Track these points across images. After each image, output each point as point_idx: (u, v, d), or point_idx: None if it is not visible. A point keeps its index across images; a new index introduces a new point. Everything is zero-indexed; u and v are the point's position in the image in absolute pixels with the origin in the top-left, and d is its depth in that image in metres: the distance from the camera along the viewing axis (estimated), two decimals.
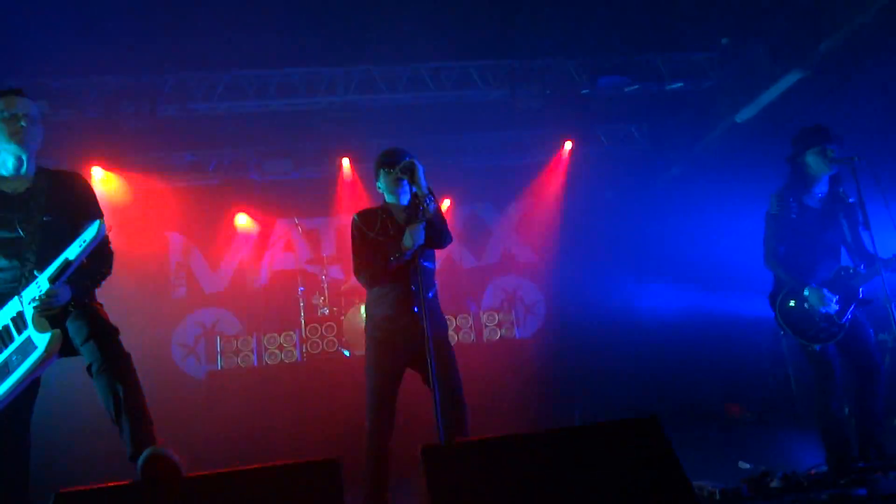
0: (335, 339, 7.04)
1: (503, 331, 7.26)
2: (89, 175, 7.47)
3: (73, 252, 2.77)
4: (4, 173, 3.02)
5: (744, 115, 7.43)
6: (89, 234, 2.76)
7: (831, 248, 4.18)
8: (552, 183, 9.04)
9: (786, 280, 4.13)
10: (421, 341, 3.64)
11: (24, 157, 3.02)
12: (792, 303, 4.10)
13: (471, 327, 7.17)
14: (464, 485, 2.71)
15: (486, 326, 7.27)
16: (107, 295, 3.20)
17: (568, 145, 8.83)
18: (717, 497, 3.60)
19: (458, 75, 7.42)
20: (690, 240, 8.28)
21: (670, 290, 8.49)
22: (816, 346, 4.01)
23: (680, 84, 7.68)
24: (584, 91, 7.58)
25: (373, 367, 3.83)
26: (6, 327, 2.83)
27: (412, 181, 3.66)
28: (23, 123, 2.98)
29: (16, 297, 2.84)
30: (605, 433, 2.93)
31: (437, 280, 4.06)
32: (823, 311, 3.98)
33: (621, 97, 7.84)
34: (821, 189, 4.21)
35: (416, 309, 3.72)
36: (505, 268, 9.30)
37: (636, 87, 7.56)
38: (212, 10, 5.82)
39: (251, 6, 5.87)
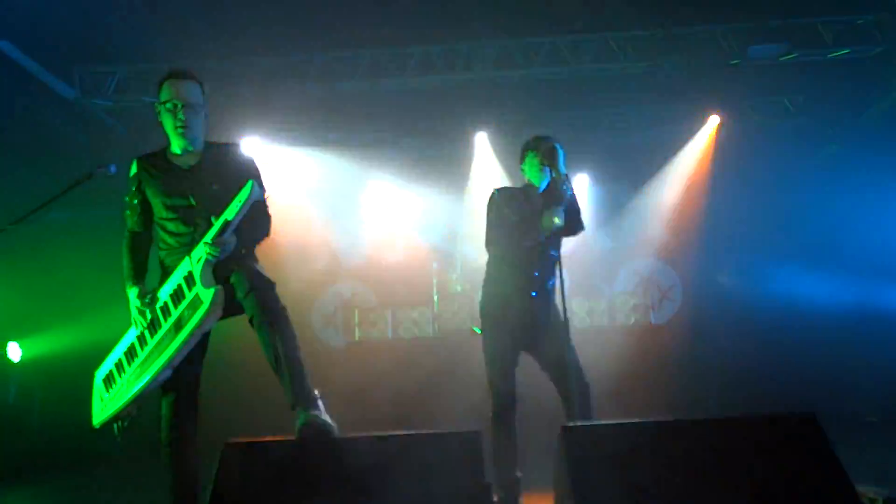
0: (467, 316, 7.13)
1: (638, 315, 7.05)
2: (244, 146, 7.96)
3: (231, 212, 2.97)
4: (177, 151, 3.24)
5: None
6: (243, 194, 2.96)
7: None
8: (697, 161, 8.57)
9: None
10: (534, 325, 3.75)
11: (190, 141, 3.21)
12: None
13: (603, 311, 7.02)
14: (603, 466, 2.66)
15: (620, 310, 7.09)
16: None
17: (715, 120, 8.32)
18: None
19: (598, 47, 7.15)
20: (848, 225, 7.62)
21: (822, 278, 7.87)
22: None
23: (845, 50, 7.00)
24: (733, 61, 7.09)
25: (489, 345, 3.90)
26: (179, 286, 3.07)
27: (552, 165, 3.77)
28: (181, 116, 3.13)
29: (186, 258, 3.07)
30: (760, 427, 2.77)
31: (568, 264, 4.05)
32: None
33: (775, 67, 7.25)
34: None
35: (534, 294, 3.80)
36: (641, 249, 8.97)
37: (793, 55, 6.98)
38: None
39: None
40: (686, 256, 8.66)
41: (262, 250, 3.37)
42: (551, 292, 3.86)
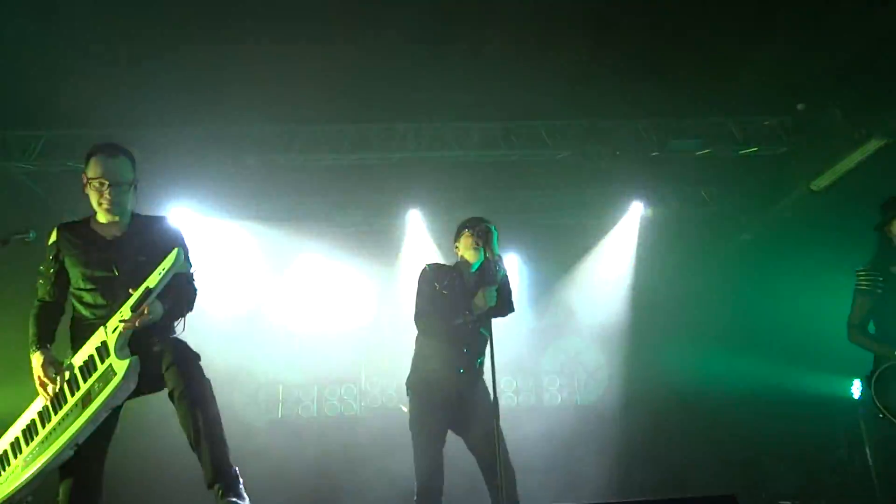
0: (394, 394, 7.02)
1: (564, 395, 7.10)
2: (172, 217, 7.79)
3: (153, 280, 2.90)
4: (102, 221, 3.18)
5: (820, 182, 7.23)
6: (167, 262, 2.90)
7: None
8: (620, 244, 8.91)
9: (878, 351, 3.91)
10: (462, 404, 3.70)
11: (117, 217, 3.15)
12: (889, 382, 3.84)
13: (531, 389, 7.05)
14: None
15: (547, 390, 7.13)
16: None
17: (638, 206, 8.72)
18: None
19: (528, 133, 7.49)
20: (762, 309, 7.99)
21: (740, 362, 8.17)
22: None
23: (754, 149, 7.55)
24: (653, 153, 7.53)
25: (416, 423, 3.85)
26: (91, 356, 2.94)
27: (486, 246, 3.85)
28: (109, 195, 3.08)
29: (101, 328, 2.95)
30: None
31: (497, 343, 4.07)
32: None
33: (692, 160, 7.75)
34: None
35: (461, 371, 3.79)
36: (567, 329, 9.13)
37: (708, 150, 7.47)
38: (292, 67, 6.12)
39: (327, 64, 6.13)
40: (612, 337, 8.86)
41: (188, 324, 3.27)
42: (480, 370, 3.87)
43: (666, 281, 8.57)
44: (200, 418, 2.88)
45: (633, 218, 8.77)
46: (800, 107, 7.19)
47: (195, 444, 2.89)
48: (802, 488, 6.92)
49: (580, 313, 9.11)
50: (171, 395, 2.96)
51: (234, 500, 2.80)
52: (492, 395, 3.76)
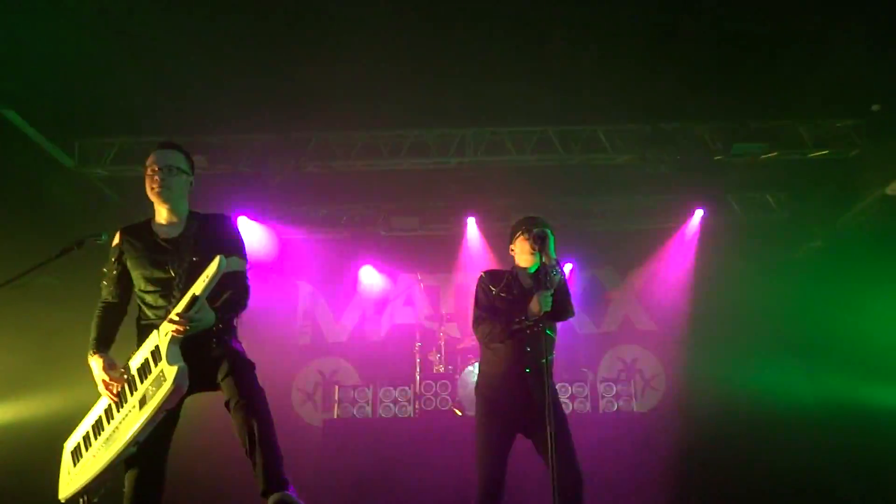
0: (448, 398, 7.05)
1: (620, 402, 6.98)
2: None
3: (198, 287, 2.95)
4: (161, 221, 3.29)
5: None
6: (210, 269, 2.93)
7: None
8: (680, 251, 8.71)
9: None
10: (530, 405, 3.64)
11: (170, 207, 3.25)
12: None
13: (586, 396, 6.96)
14: None
15: (603, 397, 7.02)
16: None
17: (699, 213, 8.51)
18: None
19: (587, 138, 7.41)
20: (833, 319, 7.67)
21: (808, 373, 7.86)
22: None
23: (824, 151, 7.27)
24: (717, 157, 7.34)
25: (482, 426, 3.82)
26: (146, 359, 3.03)
27: (542, 250, 3.77)
28: (158, 177, 3.18)
29: (154, 331, 3.04)
30: None
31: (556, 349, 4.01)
32: None
33: (758, 164, 7.52)
34: None
35: (528, 370, 3.72)
36: (624, 337, 8.98)
37: (775, 154, 7.23)
38: (352, 74, 6.24)
39: (386, 72, 6.22)
40: (670, 345, 8.67)
41: (245, 322, 3.37)
42: (547, 370, 3.80)
43: (728, 289, 8.32)
44: (256, 429, 2.95)
45: (694, 224, 8.55)
46: (874, 108, 6.89)
47: (250, 454, 2.97)
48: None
49: (638, 321, 8.95)
50: (227, 405, 3.04)
51: (289, 498, 2.87)
52: (558, 398, 3.74)
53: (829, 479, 6.84)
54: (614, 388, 7.04)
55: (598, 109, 7.09)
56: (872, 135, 7.11)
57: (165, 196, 3.21)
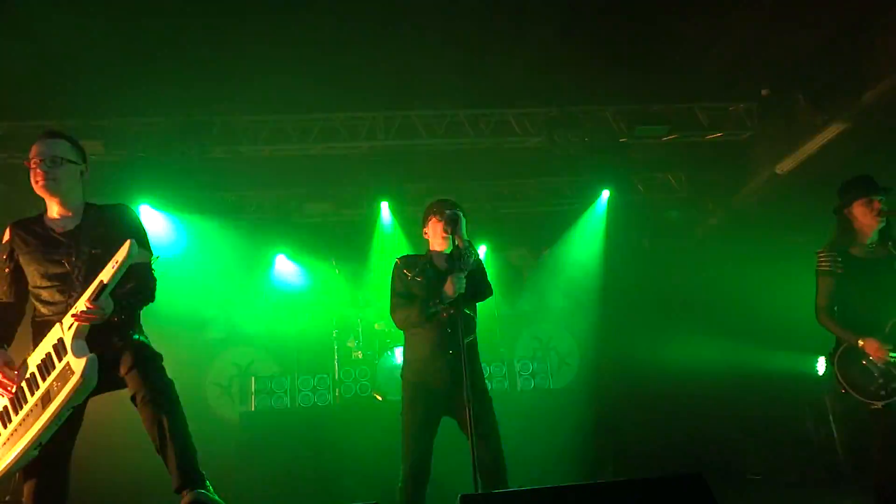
0: (368, 384, 7.02)
1: (536, 380, 7.16)
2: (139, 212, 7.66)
3: (106, 273, 2.81)
4: (53, 215, 3.11)
5: (784, 166, 7.36)
6: (120, 254, 2.81)
7: (885, 300, 4.05)
8: (589, 231, 8.99)
9: (841, 336, 4.00)
10: (456, 386, 3.65)
11: (60, 200, 3.07)
12: (850, 359, 3.94)
13: (504, 375, 7.10)
14: None
15: (520, 375, 7.18)
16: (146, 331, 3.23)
17: (606, 193, 8.80)
18: None
19: (497, 121, 7.50)
20: (730, 292, 8.12)
21: (709, 343, 8.30)
22: (880, 404, 3.84)
23: (719, 134, 7.66)
24: (622, 139, 7.60)
25: (408, 410, 3.82)
26: (48, 354, 2.86)
27: (454, 232, 3.80)
28: (41, 170, 3.01)
29: (56, 325, 2.88)
30: (649, 489, 2.84)
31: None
32: (883, 365, 3.84)
33: (659, 146, 7.84)
34: (870, 241, 4.11)
35: (451, 351, 3.73)
36: (539, 316, 9.21)
37: (674, 136, 7.56)
38: (258, 56, 6.04)
39: (294, 53, 6.06)
40: (583, 323, 8.96)
41: (153, 317, 3.21)
42: (469, 349, 3.82)
43: (635, 266, 8.68)
44: (165, 423, 2.82)
45: (602, 204, 8.84)
46: (764, 92, 7.30)
47: (161, 449, 2.84)
48: (770, 463, 7.10)
49: (551, 300, 9.19)
50: (133, 399, 2.90)
51: (204, 493, 2.77)
52: (481, 378, 3.80)
53: (729, 438, 7.29)
54: (531, 366, 7.20)
55: (507, 93, 7.18)
56: (763, 117, 7.55)
57: (52, 189, 3.03)
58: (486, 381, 6.80)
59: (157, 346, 3.13)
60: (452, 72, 6.56)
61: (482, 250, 9.01)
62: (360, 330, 7.59)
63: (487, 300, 4.08)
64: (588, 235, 9.00)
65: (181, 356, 7.42)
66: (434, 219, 3.98)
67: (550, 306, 9.22)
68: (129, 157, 6.85)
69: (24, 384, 2.88)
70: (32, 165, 3.03)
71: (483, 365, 7.05)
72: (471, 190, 8.70)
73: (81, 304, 2.81)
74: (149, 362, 2.96)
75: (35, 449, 2.76)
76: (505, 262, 9.30)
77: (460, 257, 3.77)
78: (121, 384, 2.95)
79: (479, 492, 3.32)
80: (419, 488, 3.67)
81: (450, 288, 3.71)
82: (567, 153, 7.35)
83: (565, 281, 9.17)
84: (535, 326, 9.09)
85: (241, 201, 8.72)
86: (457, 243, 3.81)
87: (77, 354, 2.77)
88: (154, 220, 7.89)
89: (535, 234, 9.24)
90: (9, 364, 2.92)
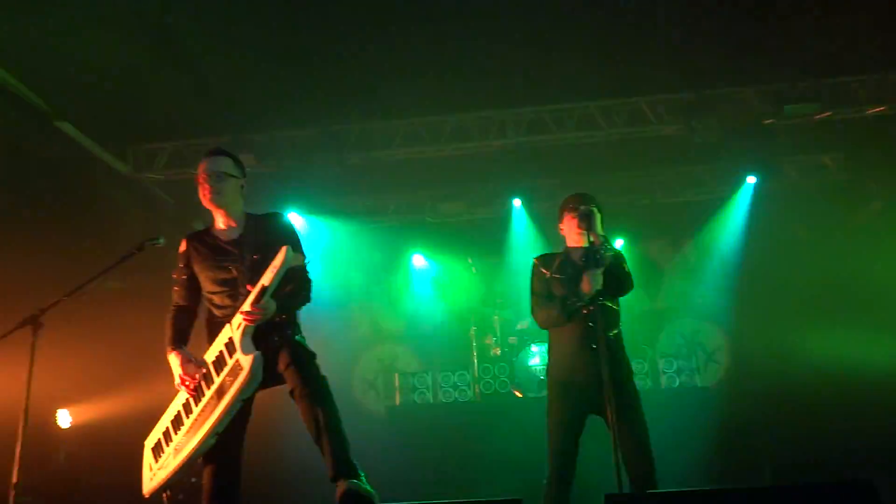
0: (507, 380, 7.08)
1: (682, 378, 6.89)
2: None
3: (266, 278, 3.06)
4: (220, 225, 3.41)
5: None
6: (277, 259, 3.04)
7: None
8: (733, 220, 8.50)
9: None
10: (599, 382, 3.58)
11: (225, 212, 3.36)
12: None
13: (647, 373, 6.90)
14: None
15: (664, 373, 6.94)
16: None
17: (751, 179, 8.29)
18: None
19: (630, 111, 7.29)
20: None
21: (873, 339, 7.59)
22: None
23: (881, 108, 6.99)
24: (767, 121, 7.13)
25: (554, 406, 3.83)
26: (220, 352, 3.15)
27: (589, 229, 3.74)
28: (209, 184, 3.29)
29: (227, 326, 3.16)
30: (812, 495, 2.67)
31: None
32: None
33: (811, 125, 7.27)
34: None
35: (594, 346, 3.68)
36: (682, 311, 8.83)
37: (828, 113, 6.99)
38: (388, 63, 6.26)
39: (422, 58, 6.22)
40: (731, 317, 8.48)
41: (303, 316, 3.45)
42: (614, 343, 3.76)
43: (786, 256, 8.10)
44: (320, 415, 3.06)
45: (747, 192, 8.33)
46: None
47: (317, 440, 3.08)
48: None
49: (695, 293, 8.78)
50: (291, 394, 3.16)
51: (357, 483, 2.95)
52: (628, 374, 3.74)
53: None
54: (675, 364, 6.95)
55: (639, 80, 6.95)
56: None
57: (218, 202, 3.33)
58: None
59: (309, 342, 3.37)
60: (581, 63, 6.45)
61: (619, 244, 8.80)
62: (497, 327, 7.66)
63: (626, 296, 4.00)
64: (732, 225, 8.51)
65: (330, 352, 7.85)
66: (569, 215, 3.94)
67: (694, 300, 8.80)
68: (278, 168, 7.33)
69: (202, 379, 3.18)
70: (200, 181, 3.34)
71: None
72: (605, 183, 8.48)
73: (247, 306, 3.07)
74: (305, 360, 3.20)
75: (213, 437, 3.05)
76: (643, 255, 8.99)
77: (595, 253, 3.72)
78: (281, 380, 3.20)
79: (625, 492, 3.27)
80: (564, 487, 3.66)
81: (585, 285, 3.67)
82: (706, 140, 7.02)
83: (709, 273, 8.73)
84: (678, 322, 8.71)
85: (378, 204, 9.06)
86: (591, 239, 3.76)
87: (245, 352, 3.03)
88: (301, 225, 8.39)
89: (675, 225, 8.88)
90: (189, 361, 3.24)
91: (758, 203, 8.34)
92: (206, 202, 3.34)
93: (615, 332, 3.82)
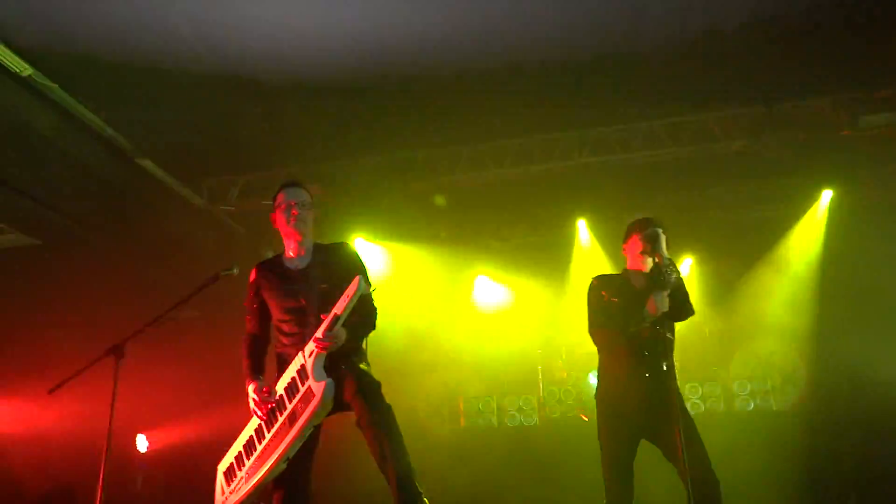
0: (573, 404, 6.98)
1: (757, 401, 6.63)
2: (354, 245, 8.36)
3: (339, 306, 3.15)
4: (291, 254, 3.54)
5: None
6: (350, 288, 3.14)
7: None
8: (809, 236, 8.18)
9: None
10: (651, 410, 3.62)
11: (301, 239, 3.50)
12: None
13: (719, 396, 6.68)
14: None
15: (738, 395, 6.70)
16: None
17: (827, 193, 7.96)
18: None
19: (697, 128, 7.13)
20: None
21: None
22: None
23: None
24: (844, 132, 6.85)
25: (606, 432, 3.80)
26: (293, 379, 3.25)
27: (654, 252, 3.76)
28: (297, 210, 3.45)
29: (299, 353, 3.26)
30: None
31: (680, 345, 3.93)
32: None
33: (891, 136, 6.94)
34: None
35: (647, 374, 3.69)
36: (756, 331, 8.49)
37: None
38: (451, 90, 6.33)
39: (483, 84, 6.25)
40: (808, 338, 8.11)
41: (371, 342, 3.52)
42: (668, 373, 3.72)
43: (867, 274, 7.70)
44: (386, 444, 3.12)
45: (823, 206, 8.01)
46: None
47: (382, 468, 3.14)
48: None
49: (769, 313, 8.43)
50: (357, 423, 3.24)
51: None
52: (681, 401, 3.67)
53: None
54: (749, 386, 6.70)
55: (705, 96, 6.79)
56: None
57: (302, 230, 3.48)
58: (700, 402, 6.52)
59: (375, 367, 3.43)
60: (642, 82, 6.37)
61: (688, 263, 8.58)
62: (563, 349, 7.58)
63: (695, 317, 3.95)
64: (808, 240, 8.19)
65: (396, 376, 7.93)
66: (635, 237, 3.95)
67: (768, 320, 8.46)
68: (344, 196, 7.51)
69: (275, 406, 3.29)
70: (284, 207, 3.48)
71: (696, 385, 6.77)
72: (673, 201, 8.30)
73: (319, 334, 3.16)
74: (370, 389, 3.28)
75: (283, 462, 3.16)
76: (714, 274, 8.73)
77: (661, 275, 3.69)
78: (348, 407, 3.28)
79: None
80: None
81: (652, 307, 3.65)
82: (778, 155, 6.79)
83: (784, 292, 8.39)
84: (752, 342, 8.37)
85: (443, 229, 9.12)
86: (657, 261, 3.72)
87: (317, 378, 3.13)
88: (368, 251, 8.54)
89: (747, 242, 8.58)
90: (265, 389, 3.34)
91: (835, 217, 8.00)
92: (290, 227, 3.47)
93: (667, 362, 3.75)
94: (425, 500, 3.10)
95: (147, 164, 6.95)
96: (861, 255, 7.79)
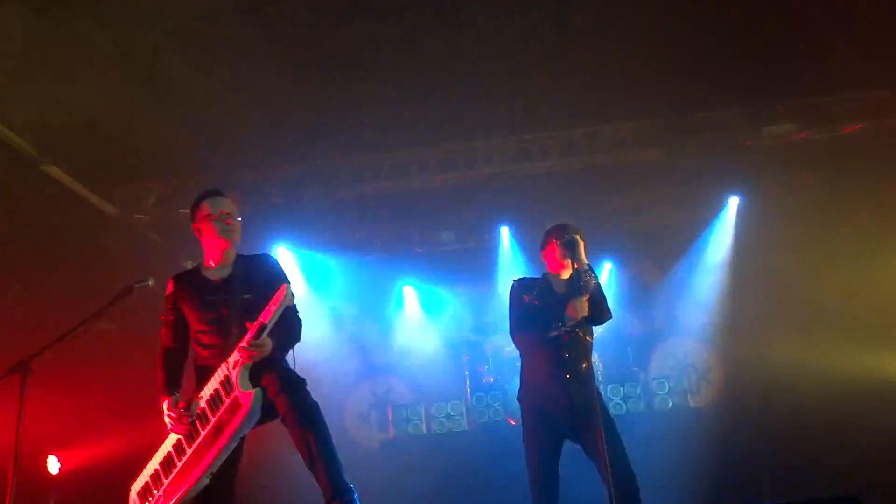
0: (501, 408, 7.05)
1: (675, 399, 6.89)
2: (276, 255, 8.21)
3: (265, 315, 3.08)
4: (212, 264, 3.44)
5: None
6: (277, 297, 3.07)
7: None
8: (719, 241, 8.60)
9: None
10: (572, 410, 3.72)
11: (227, 249, 3.41)
12: None
13: (639, 395, 6.90)
14: None
15: (657, 394, 6.95)
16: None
17: (734, 200, 8.39)
18: None
19: (611, 137, 7.38)
20: (889, 296, 7.46)
21: (870, 356, 7.62)
22: None
23: (859, 125, 7.11)
24: (747, 143, 7.24)
25: (530, 434, 3.87)
26: (216, 390, 3.15)
27: (572, 257, 3.84)
28: (231, 220, 3.38)
29: (223, 364, 3.17)
30: None
31: (601, 347, 4.05)
32: None
33: (790, 145, 7.39)
34: None
35: (567, 377, 3.79)
36: (673, 332, 8.85)
37: (805, 133, 7.11)
38: (373, 96, 6.34)
39: (405, 90, 6.30)
40: (722, 337, 8.51)
41: (295, 352, 3.46)
42: (587, 374, 3.81)
43: (774, 274, 8.16)
44: (312, 440, 3.08)
45: (731, 212, 8.43)
46: None
47: (310, 465, 3.09)
48: None
49: (684, 314, 8.81)
50: (283, 420, 3.17)
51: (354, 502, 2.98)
52: (602, 401, 3.76)
53: (889, 458, 6.63)
54: (667, 385, 6.96)
55: (620, 106, 7.05)
56: None
57: (235, 240, 3.41)
58: (622, 403, 6.71)
59: (302, 377, 3.37)
60: (561, 91, 6.56)
61: (607, 268, 8.84)
62: (489, 355, 7.66)
63: (613, 320, 4.07)
64: (718, 245, 8.60)
65: (322, 387, 7.82)
66: (553, 244, 4.02)
67: (684, 321, 8.83)
68: (266, 205, 7.36)
69: (195, 419, 3.18)
70: (216, 217, 3.38)
71: (616, 385, 6.96)
72: (591, 207, 8.57)
73: (245, 343, 3.09)
74: (294, 386, 3.24)
75: (207, 477, 3.06)
76: (632, 278, 9.05)
77: (580, 280, 3.78)
78: (274, 414, 3.19)
79: None
80: None
81: (572, 311, 3.74)
82: (688, 163, 7.12)
83: (698, 293, 8.78)
84: (669, 343, 8.73)
85: (367, 236, 9.09)
86: (576, 267, 3.82)
87: (244, 388, 3.05)
88: (289, 260, 8.40)
89: (662, 247, 8.94)
90: (182, 404, 3.23)
91: (743, 222, 8.43)
92: (219, 239, 3.38)
93: (586, 364, 3.85)
94: (355, 493, 3.06)
95: (53, 170, 6.60)
96: (768, 259, 8.24)
